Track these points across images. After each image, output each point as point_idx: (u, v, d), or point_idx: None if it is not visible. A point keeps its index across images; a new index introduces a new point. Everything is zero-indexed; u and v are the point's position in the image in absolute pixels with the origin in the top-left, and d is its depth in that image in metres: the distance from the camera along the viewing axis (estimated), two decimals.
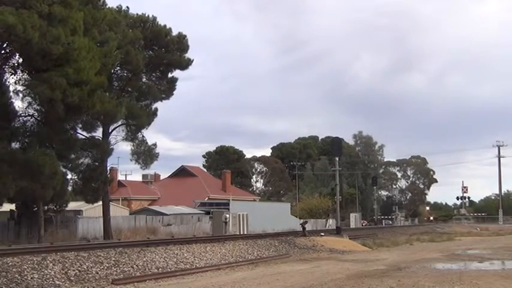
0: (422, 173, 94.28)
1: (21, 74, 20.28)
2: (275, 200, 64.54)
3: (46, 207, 25.03)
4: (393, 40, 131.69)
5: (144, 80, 28.94)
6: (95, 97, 20.20)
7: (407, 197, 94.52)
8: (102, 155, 25.08)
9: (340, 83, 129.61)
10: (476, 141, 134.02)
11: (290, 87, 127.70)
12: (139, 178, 55.97)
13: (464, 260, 18.51)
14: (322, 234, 28.03)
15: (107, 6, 24.94)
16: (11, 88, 20.66)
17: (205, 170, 69.44)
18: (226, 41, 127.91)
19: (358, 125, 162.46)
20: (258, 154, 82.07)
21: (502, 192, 78.41)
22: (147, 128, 28.19)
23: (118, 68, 26.57)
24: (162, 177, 58.49)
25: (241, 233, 30.33)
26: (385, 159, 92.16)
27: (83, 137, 24.73)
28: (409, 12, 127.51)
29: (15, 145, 20.98)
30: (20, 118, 21.09)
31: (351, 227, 49.95)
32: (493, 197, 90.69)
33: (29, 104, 20.65)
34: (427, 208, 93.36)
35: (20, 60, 20.14)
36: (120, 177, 52.31)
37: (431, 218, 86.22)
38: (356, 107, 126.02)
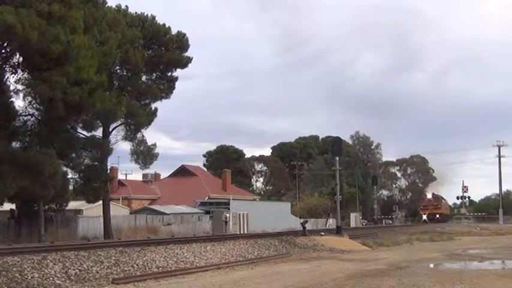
0: (422, 172, 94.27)
1: (21, 73, 20.21)
2: (275, 200, 64.51)
3: (46, 207, 25.02)
4: (394, 39, 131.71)
5: (143, 79, 28.92)
6: (95, 96, 20.22)
7: (408, 197, 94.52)
8: (102, 154, 25.06)
9: (341, 82, 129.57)
10: (477, 140, 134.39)
11: (291, 86, 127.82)
12: (139, 177, 56.06)
13: (464, 260, 18.50)
14: (323, 233, 28.05)
15: (107, 5, 24.96)
16: (12, 87, 20.64)
17: (205, 169, 69.48)
18: (227, 39, 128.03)
19: (358, 124, 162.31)
20: (258, 153, 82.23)
21: (502, 191, 78.39)
22: (146, 128, 28.21)
23: (118, 67, 26.56)
24: (162, 177, 58.51)
25: (242, 232, 30.33)
26: (385, 159, 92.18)
27: (83, 136, 24.74)
28: (411, 10, 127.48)
29: (15, 144, 20.94)
30: (21, 117, 21.03)
31: (351, 226, 49.91)
32: (493, 197, 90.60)
33: (30, 103, 20.61)
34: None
35: (20, 60, 20.11)
36: (121, 177, 52.42)
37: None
38: (357, 106, 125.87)
